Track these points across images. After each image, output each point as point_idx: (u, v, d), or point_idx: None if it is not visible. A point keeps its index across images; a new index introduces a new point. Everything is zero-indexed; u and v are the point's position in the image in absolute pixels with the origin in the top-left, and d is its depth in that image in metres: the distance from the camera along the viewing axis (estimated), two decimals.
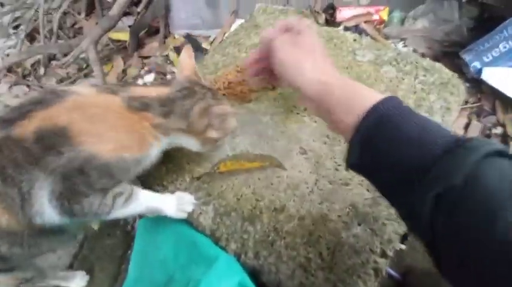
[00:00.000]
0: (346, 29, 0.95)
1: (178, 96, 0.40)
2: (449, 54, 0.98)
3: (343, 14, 1.03)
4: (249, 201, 0.47)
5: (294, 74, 0.39)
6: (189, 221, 0.48)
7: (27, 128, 0.34)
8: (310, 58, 0.39)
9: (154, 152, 0.41)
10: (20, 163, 0.34)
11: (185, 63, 0.45)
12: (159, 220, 0.55)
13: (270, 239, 0.43)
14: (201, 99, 0.41)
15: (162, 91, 0.40)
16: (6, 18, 1.68)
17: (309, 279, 0.40)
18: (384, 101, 0.30)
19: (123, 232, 0.69)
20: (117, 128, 0.37)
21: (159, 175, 0.53)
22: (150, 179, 0.52)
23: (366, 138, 0.30)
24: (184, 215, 0.45)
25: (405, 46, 0.98)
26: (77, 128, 0.35)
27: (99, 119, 0.36)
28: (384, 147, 0.29)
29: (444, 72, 0.59)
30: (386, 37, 1.00)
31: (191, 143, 0.44)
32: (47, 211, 0.36)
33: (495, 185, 0.23)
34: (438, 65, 0.60)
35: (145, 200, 0.42)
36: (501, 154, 0.25)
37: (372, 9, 1.03)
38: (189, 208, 0.45)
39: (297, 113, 0.56)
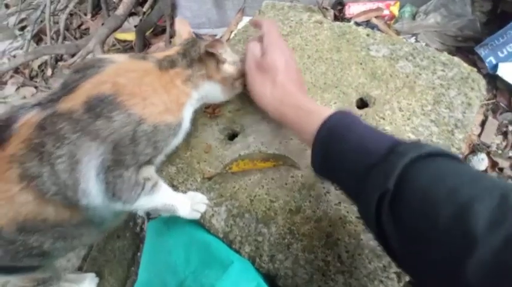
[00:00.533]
0: (357, 24, 0.92)
1: (189, 47, 0.45)
2: (463, 49, 0.95)
3: (352, 9, 1.01)
4: (263, 202, 0.45)
5: (258, 96, 0.45)
6: (200, 223, 0.47)
7: (75, 100, 0.34)
8: (270, 82, 0.43)
9: (187, 114, 0.43)
10: (67, 135, 0.32)
11: (182, 30, 0.49)
12: (169, 222, 0.54)
13: (285, 242, 0.42)
14: (202, 42, 0.46)
15: (177, 48, 0.45)
16: (12, 20, 1.69)
17: (328, 284, 0.38)
18: (331, 116, 0.35)
19: (132, 233, 0.68)
20: (158, 91, 0.39)
21: (169, 175, 0.51)
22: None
23: (321, 149, 0.35)
24: (197, 216, 0.44)
25: (417, 41, 0.95)
26: (124, 93, 0.35)
27: (142, 83, 0.38)
28: (334, 156, 0.34)
29: (463, 66, 0.56)
30: (398, 32, 0.97)
31: (215, 90, 0.46)
32: (93, 188, 0.35)
33: (426, 187, 0.25)
34: (457, 59, 0.57)
35: (165, 194, 0.42)
36: (435, 154, 0.27)
37: (382, 4, 1.00)
38: (202, 208, 0.44)
39: None
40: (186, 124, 0.44)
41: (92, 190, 0.35)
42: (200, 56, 0.44)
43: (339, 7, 1.03)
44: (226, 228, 0.45)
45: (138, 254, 0.66)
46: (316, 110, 0.38)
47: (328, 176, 0.37)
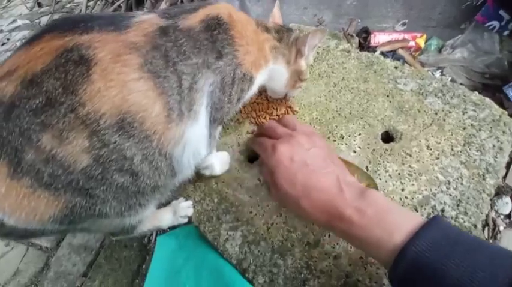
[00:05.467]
0: (382, 54, 0.92)
1: (284, 31, 0.48)
2: (490, 87, 0.93)
3: (378, 38, 1.01)
4: (280, 231, 0.44)
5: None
6: (214, 247, 0.45)
7: (195, 19, 0.36)
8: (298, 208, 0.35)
9: (258, 79, 0.45)
10: (187, 53, 0.34)
11: (277, 16, 0.53)
12: (180, 240, 0.53)
13: (302, 277, 0.40)
14: (294, 34, 0.49)
15: (273, 24, 0.48)
16: (44, 20, 1.78)
17: None
18: (415, 241, 0.26)
19: (139, 244, 0.67)
20: (254, 43, 0.42)
21: (186, 192, 0.51)
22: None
23: (403, 282, 0.27)
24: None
25: (443, 75, 0.94)
26: (236, 28, 0.39)
27: (248, 28, 0.41)
28: None
29: (494, 108, 0.55)
30: (423, 64, 0.97)
31: (281, 77, 0.49)
32: (202, 115, 0.37)
33: None
34: (488, 100, 0.56)
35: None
36: None
37: (408, 36, 1.00)
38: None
39: (334, 141, 0.53)
40: (254, 88, 0.45)
41: (200, 114, 0.36)
42: (288, 43, 0.47)
43: (364, 35, 1.04)
44: (241, 255, 0.43)
45: (143, 266, 0.65)
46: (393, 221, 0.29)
47: None
